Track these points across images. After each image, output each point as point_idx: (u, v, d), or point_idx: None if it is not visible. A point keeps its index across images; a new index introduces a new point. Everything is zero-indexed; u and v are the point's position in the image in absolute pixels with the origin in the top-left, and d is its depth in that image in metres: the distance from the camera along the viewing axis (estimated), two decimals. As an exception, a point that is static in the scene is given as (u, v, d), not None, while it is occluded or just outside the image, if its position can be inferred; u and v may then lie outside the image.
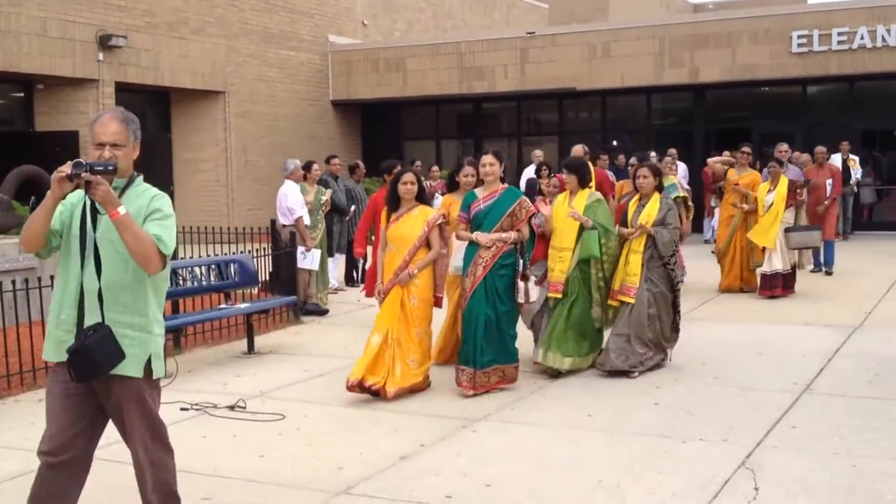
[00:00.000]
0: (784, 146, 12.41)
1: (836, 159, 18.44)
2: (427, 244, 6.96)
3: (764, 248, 11.00)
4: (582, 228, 7.33)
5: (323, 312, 10.82)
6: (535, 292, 7.28)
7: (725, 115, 21.60)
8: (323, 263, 11.26)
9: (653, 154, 17.52)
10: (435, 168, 16.89)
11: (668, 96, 21.91)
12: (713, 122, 21.24)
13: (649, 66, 20.25)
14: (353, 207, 12.78)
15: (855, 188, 18.08)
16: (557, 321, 7.35)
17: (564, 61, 20.94)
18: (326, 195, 11.72)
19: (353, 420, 6.34)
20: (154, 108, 20.57)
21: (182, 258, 9.22)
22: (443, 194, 14.26)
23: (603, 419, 6.20)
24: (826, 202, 12.89)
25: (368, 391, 6.67)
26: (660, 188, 7.58)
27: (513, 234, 6.90)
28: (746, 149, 11.71)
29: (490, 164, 7.00)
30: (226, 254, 10.46)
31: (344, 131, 23.58)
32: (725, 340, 8.76)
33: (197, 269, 8.77)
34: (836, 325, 9.33)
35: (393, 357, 6.76)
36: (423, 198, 7.10)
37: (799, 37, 18.93)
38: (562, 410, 6.50)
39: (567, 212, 7.38)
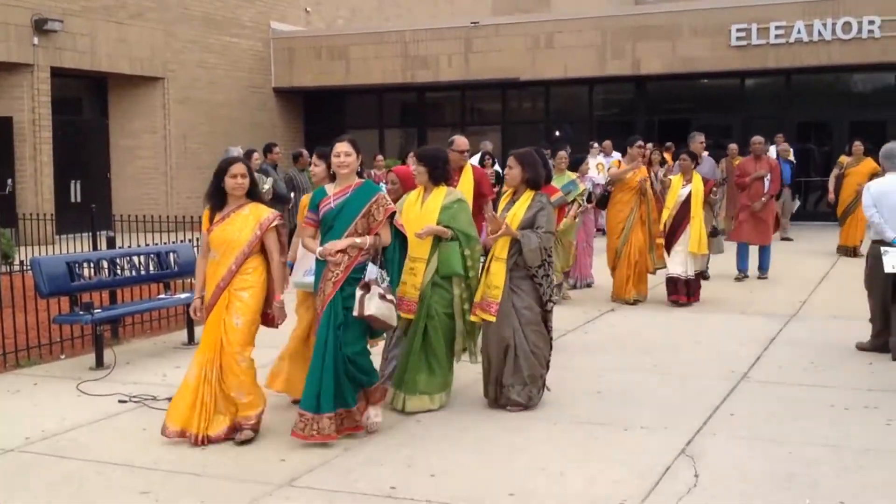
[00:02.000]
0: (700, 137, 11.91)
1: (772, 151, 18.88)
2: (262, 251, 5.70)
3: (669, 251, 10.06)
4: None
5: (266, 302, 10.70)
6: (374, 306, 5.40)
7: (666, 106, 21.88)
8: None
9: (595, 144, 17.75)
10: (379, 157, 16.84)
11: (610, 88, 22.12)
12: (654, 113, 21.50)
13: (592, 57, 20.41)
14: (293, 196, 12.68)
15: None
16: (409, 349, 6.16)
17: (508, 51, 21.00)
18: (267, 184, 11.59)
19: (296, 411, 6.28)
20: (91, 93, 20.17)
21: (120, 247, 9.05)
22: (385, 183, 14.31)
23: (546, 408, 6.24)
24: (763, 199, 11.84)
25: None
26: (533, 183, 6.17)
27: (368, 239, 5.52)
28: (640, 142, 10.78)
29: (346, 153, 5.59)
30: (165, 242, 10.30)
31: (286, 119, 23.36)
32: (664, 329, 8.90)
33: (135, 259, 8.62)
34: (772, 313, 9.52)
35: (214, 396, 5.58)
36: (257, 194, 5.83)
37: (738, 30, 19.24)
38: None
39: (417, 213, 6.17)
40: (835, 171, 15.06)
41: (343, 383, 5.47)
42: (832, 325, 8.83)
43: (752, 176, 11.77)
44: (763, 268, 11.95)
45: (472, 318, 6.20)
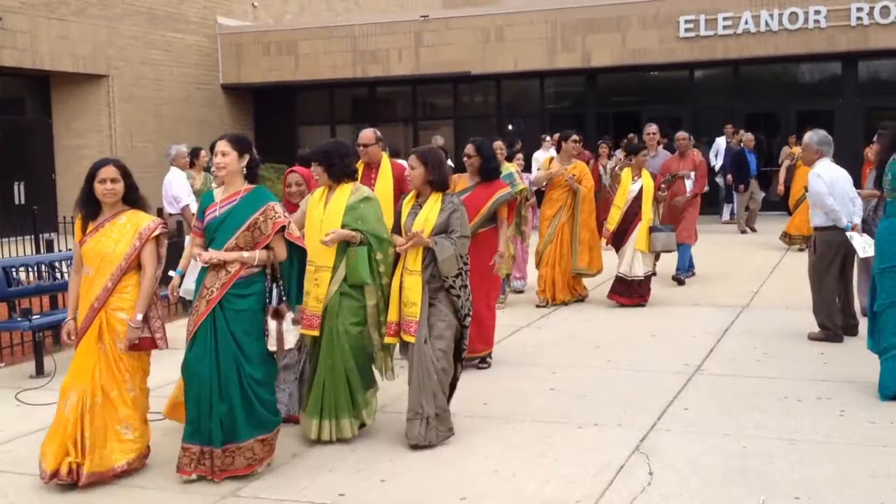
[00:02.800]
0: (653, 128, 11.38)
1: (721, 142, 19.02)
2: (138, 265, 5.00)
3: (618, 250, 9.72)
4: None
5: (214, 303, 10.48)
6: (294, 338, 4.98)
7: (616, 99, 21.91)
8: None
9: (548, 138, 17.68)
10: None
11: (560, 80, 22.09)
12: (605, 105, 21.53)
13: (542, 50, 20.36)
14: None
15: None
16: (317, 370, 5.42)
17: (459, 45, 20.87)
18: (216, 182, 11.32)
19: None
20: (33, 92, 19.66)
21: (61, 250, 8.78)
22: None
23: (498, 406, 6.15)
24: (687, 195, 10.99)
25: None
26: (439, 184, 5.50)
27: (257, 255, 4.86)
28: (576, 136, 10.04)
29: (223, 152, 4.98)
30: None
31: (236, 116, 23.00)
32: (618, 322, 8.85)
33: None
34: (725, 305, 9.53)
35: (93, 427, 4.87)
36: (136, 199, 5.14)
37: (686, 21, 19.30)
38: (457, 396, 6.38)
39: (320, 215, 5.46)
40: (786, 162, 15.03)
41: (238, 416, 4.81)
42: (784, 315, 8.84)
43: (666, 177, 10.74)
44: (680, 268, 11.06)
45: (389, 340, 5.45)
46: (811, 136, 7.86)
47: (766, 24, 18.83)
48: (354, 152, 6.29)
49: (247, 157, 5.02)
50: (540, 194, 11.00)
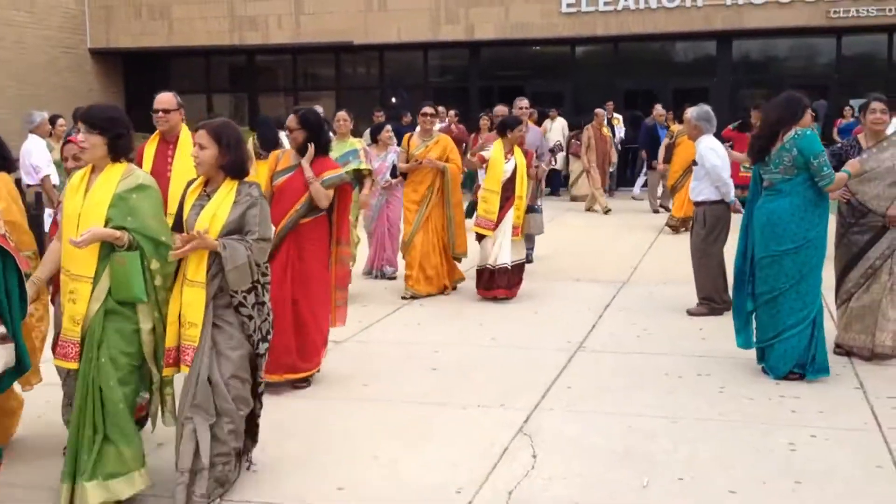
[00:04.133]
0: (524, 102, 10.18)
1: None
2: None
3: (481, 237, 8.45)
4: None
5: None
6: (3, 361, 3.91)
7: (500, 73, 21.85)
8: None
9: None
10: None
11: (444, 53, 21.90)
12: (488, 79, 21.44)
13: (425, 21, 20.09)
14: None
15: (619, 146, 18.70)
16: (78, 417, 4.13)
17: (340, 13, 20.39)
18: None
19: None
20: None
21: None
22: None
23: (378, 388, 5.93)
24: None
25: None
26: (235, 169, 4.29)
27: None
28: (429, 109, 8.97)
29: None
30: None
31: (104, 82, 21.92)
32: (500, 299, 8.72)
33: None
34: (605, 280, 9.54)
35: None
36: None
37: (568, -4, 19.36)
38: (335, 379, 6.16)
39: (78, 205, 4.17)
40: (665, 140, 14.84)
41: None
42: (663, 290, 8.90)
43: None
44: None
45: (166, 373, 4.29)
46: (692, 111, 7.89)
47: (646, 1, 19.05)
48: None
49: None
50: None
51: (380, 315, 7.92)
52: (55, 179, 9.92)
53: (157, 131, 6.00)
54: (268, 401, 5.61)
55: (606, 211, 15.63)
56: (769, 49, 20.10)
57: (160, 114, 5.92)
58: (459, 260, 9.08)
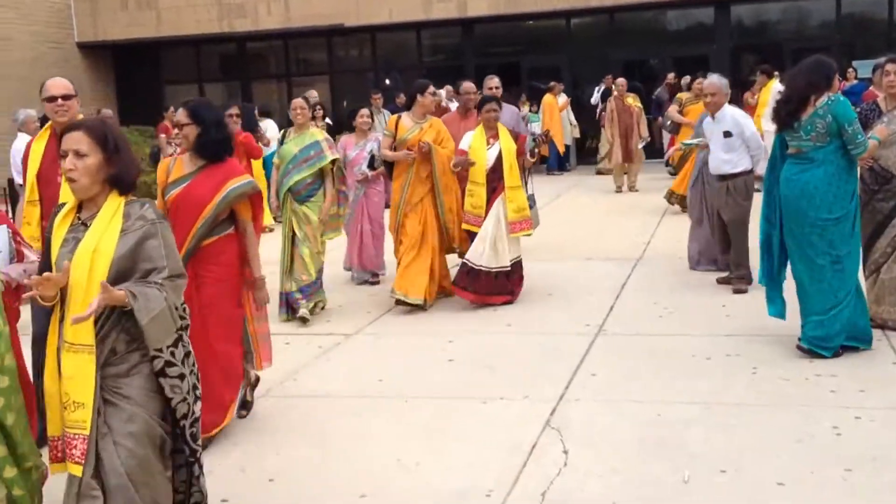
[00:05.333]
0: (494, 81, 8.48)
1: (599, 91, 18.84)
2: None
3: (472, 234, 7.39)
4: None
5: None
6: None
7: (495, 49, 21.48)
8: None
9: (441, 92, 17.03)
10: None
11: (437, 32, 21.50)
12: (483, 56, 21.06)
13: (417, 0, 19.72)
14: None
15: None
16: None
17: (330, -4, 20.02)
18: None
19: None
20: None
21: None
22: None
23: (395, 383, 5.67)
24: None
25: None
26: (125, 183, 3.30)
27: None
28: (433, 88, 7.79)
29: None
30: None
31: (94, 76, 21.53)
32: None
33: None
34: (618, 258, 9.25)
35: None
36: None
37: (562, -31, 18.99)
38: (346, 374, 5.91)
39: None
40: (673, 109, 14.03)
41: None
42: (679, 266, 8.61)
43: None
44: None
45: (54, 469, 3.29)
46: (718, 79, 7.57)
47: (641, -30, 18.70)
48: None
49: None
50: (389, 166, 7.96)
51: (390, 304, 7.62)
52: (47, 178, 9.65)
53: (48, 124, 5.16)
54: (277, 402, 5.39)
55: (633, 189, 14.75)
56: (767, 13, 19.74)
57: (58, 102, 4.96)
58: (462, 255, 7.62)
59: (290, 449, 4.70)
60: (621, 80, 15.41)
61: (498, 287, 7.32)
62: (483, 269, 7.26)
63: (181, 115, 4.82)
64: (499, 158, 7.33)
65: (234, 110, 8.66)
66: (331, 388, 5.67)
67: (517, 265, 7.52)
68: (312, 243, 7.25)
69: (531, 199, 7.69)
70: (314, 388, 5.69)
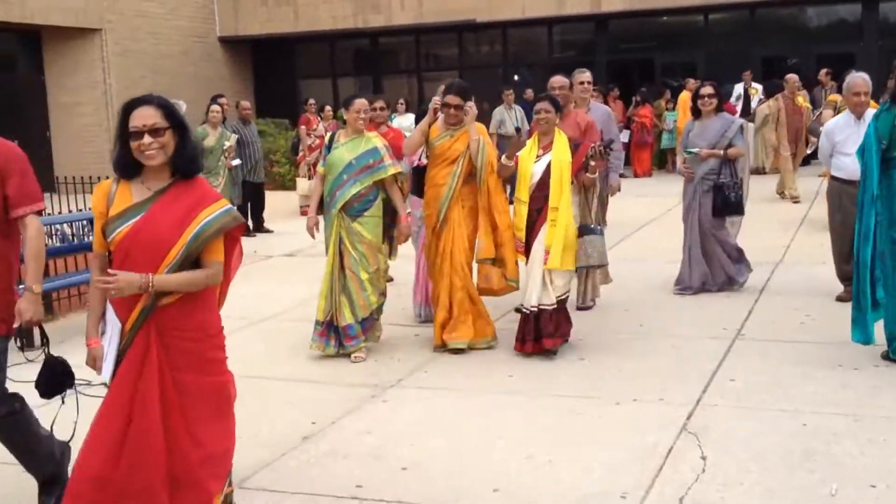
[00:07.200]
0: (585, 75, 7.55)
1: (738, 88, 18.27)
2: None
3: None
4: None
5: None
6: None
7: (628, 45, 21.14)
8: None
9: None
10: (328, 108, 15.81)
11: (569, 28, 21.33)
12: (616, 53, 20.77)
13: (551, -5, 19.62)
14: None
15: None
16: None
17: (463, -8, 20.11)
18: (231, 140, 10.80)
19: (247, 394, 5.61)
20: (24, 48, 19.01)
21: (54, 213, 8.24)
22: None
23: (521, 381, 5.62)
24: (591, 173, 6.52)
25: None
26: None
27: None
28: (461, 86, 6.38)
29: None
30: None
31: (234, 70, 22.28)
32: (644, 281, 8.26)
33: (67, 226, 7.86)
34: (755, 260, 8.90)
35: None
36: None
37: (701, -37, 18.53)
38: (476, 372, 5.88)
39: None
40: (828, 114, 11.50)
41: None
42: (821, 271, 8.24)
43: (593, 147, 7.78)
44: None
45: None
46: (866, 77, 7.15)
47: (785, -35, 18.06)
48: None
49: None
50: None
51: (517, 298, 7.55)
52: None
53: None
54: (406, 394, 5.42)
55: (795, 200, 13.01)
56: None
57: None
58: (514, 286, 6.42)
59: (423, 440, 4.72)
60: (792, 77, 13.73)
61: (545, 329, 5.99)
62: (524, 309, 6.08)
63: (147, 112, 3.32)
64: (546, 172, 6.03)
65: (380, 103, 7.83)
66: (459, 381, 5.67)
67: (562, 304, 6.10)
68: (372, 262, 6.18)
69: (590, 229, 6.41)
70: (444, 382, 5.69)
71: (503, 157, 6.19)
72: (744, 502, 3.86)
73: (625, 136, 16.56)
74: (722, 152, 7.50)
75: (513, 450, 4.53)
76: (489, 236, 6.29)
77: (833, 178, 7.26)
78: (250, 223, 12.30)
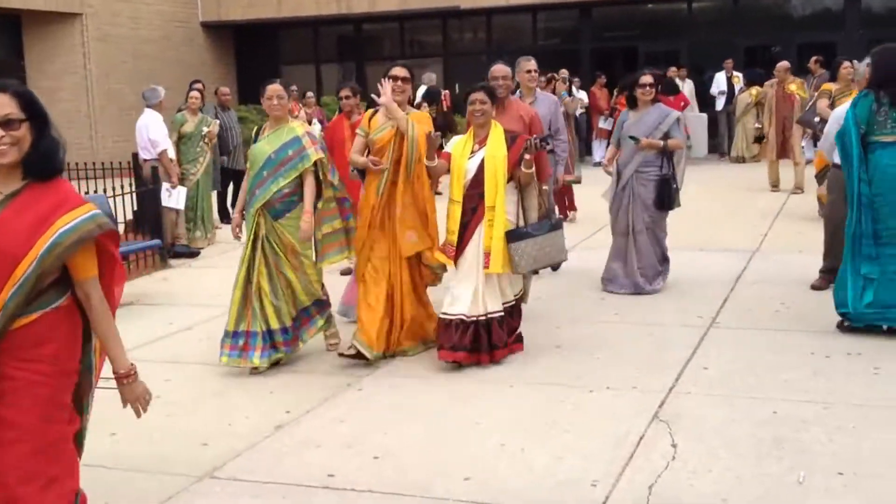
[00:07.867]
0: (531, 63, 7.32)
1: (721, 77, 18.28)
2: None
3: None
4: None
5: (194, 254, 9.96)
6: None
7: (611, 34, 21.15)
8: (206, 201, 10.53)
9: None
10: (310, 94, 15.70)
11: (553, 15, 21.33)
12: (600, 40, 20.78)
13: (535, -18, 19.59)
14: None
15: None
16: None
17: (447, -22, 20.05)
18: (212, 126, 10.78)
19: (222, 383, 5.61)
20: (4, 33, 18.90)
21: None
22: (320, 121, 13.38)
23: (499, 368, 5.63)
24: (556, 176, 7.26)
25: None
26: None
27: None
28: (399, 71, 5.84)
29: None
30: (87, 192, 9.42)
31: (216, 56, 22.16)
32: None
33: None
34: (734, 249, 9.00)
35: None
36: None
37: (685, -49, 18.53)
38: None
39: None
40: (823, 103, 10.71)
41: None
42: (798, 260, 8.31)
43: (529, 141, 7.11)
44: None
45: None
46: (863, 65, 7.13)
47: (768, -48, 18.08)
48: None
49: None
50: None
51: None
52: (172, 154, 9.98)
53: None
54: (381, 383, 5.43)
55: (775, 188, 12.97)
56: (902, 0, 18.84)
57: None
58: (437, 278, 6.07)
59: (398, 427, 4.73)
60: (784, 64, 13.56)
61: (496, 339, 5.59)
62: (465, 318, 5.49)
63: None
64: (481, 169, 5.56)
65: (346, 91, 8.04)
66: (439, 369, 5.68)
67: (514, 309, 5.76)
68: (297, 266, 5.74)
69: (519, 233, 5.56)
70: (418, 371, 5.70)
71: (425, 159, 5.66)
72: (713, 490, 3.88)
73: (608, 124, 16.57)
74: (662, 143, 7.20)
75: (486, 438, 4.55)
76: (420, 229, 5.81)
77: (836, 165, 7.24)
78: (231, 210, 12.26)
